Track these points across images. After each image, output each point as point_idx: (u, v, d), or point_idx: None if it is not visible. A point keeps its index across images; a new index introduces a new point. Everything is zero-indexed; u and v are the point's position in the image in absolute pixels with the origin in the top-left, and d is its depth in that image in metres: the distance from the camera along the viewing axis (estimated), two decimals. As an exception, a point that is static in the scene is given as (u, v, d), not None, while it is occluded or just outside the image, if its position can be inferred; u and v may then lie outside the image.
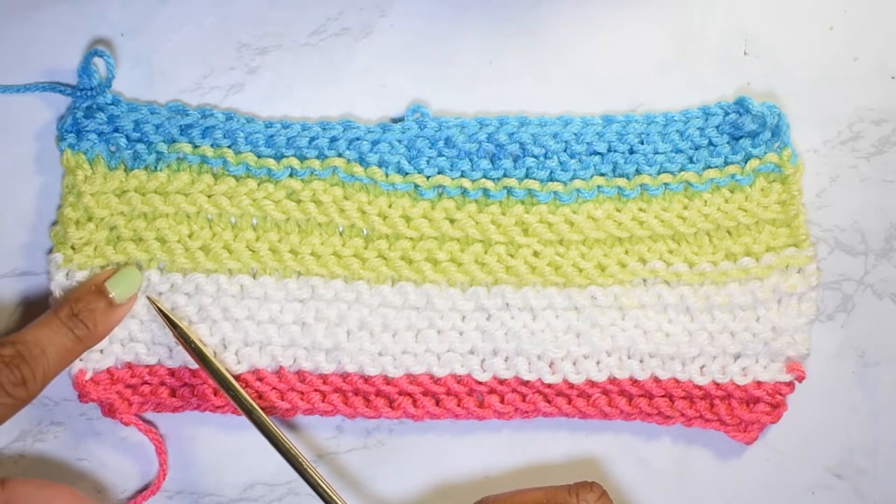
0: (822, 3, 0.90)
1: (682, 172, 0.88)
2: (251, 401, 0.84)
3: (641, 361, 0.88)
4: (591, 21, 0.90)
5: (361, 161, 0.87)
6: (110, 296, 0.83)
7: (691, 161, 0.88)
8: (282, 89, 0.89)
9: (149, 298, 0.86)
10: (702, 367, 0.88)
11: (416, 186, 0.87)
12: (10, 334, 0.80)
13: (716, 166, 0.88)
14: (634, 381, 0.88)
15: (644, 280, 0.88)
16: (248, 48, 0.90)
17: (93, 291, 0.83)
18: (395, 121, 0.89)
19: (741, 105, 0.88)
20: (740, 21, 0.90)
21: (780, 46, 0.90)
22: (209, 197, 0.86)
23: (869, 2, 0.91)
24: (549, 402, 0.88)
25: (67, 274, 0.85)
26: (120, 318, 0.84)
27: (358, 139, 0.87)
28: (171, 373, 0.87)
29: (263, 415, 0.83)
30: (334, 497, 0.81)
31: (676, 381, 0.88)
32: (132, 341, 0.86)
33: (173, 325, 0.85)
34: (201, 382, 0.86)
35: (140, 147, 0.86)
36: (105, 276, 0.84)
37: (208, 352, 0.85)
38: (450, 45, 0.90)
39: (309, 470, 0.82)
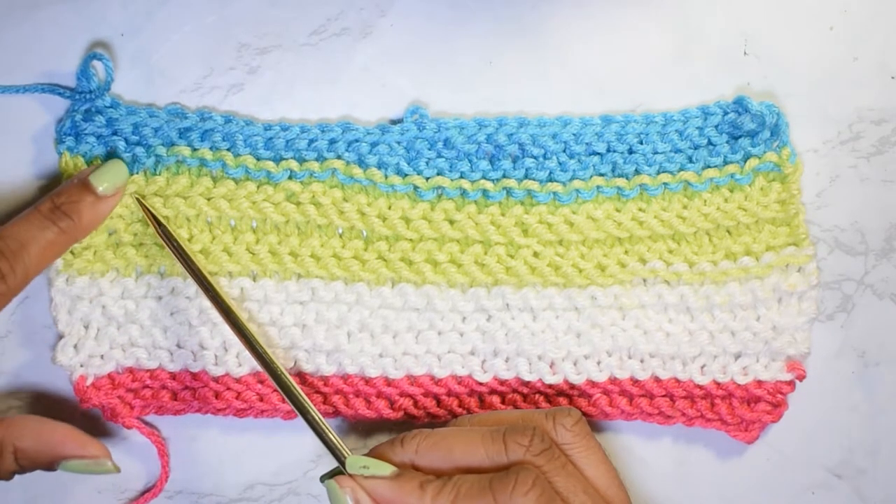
0: (822, 3, 0.90)
1: (682, 172, 0.88)
2: (232, 305, 0.83)
3: (642, 361, 0.88)
4: (591, 21, 0.90)
5: (360, 163, 0.87)
6: (98, 190, 0.82)
7: (690, 161, 0.88)
8: (282, 89, 0.89)
9: (136, 199, 0.86)
10: (702, 367, 0.88)
11: (416, 188, 0.87)
12: None
13: (715, 166, 0.88)
14: (635, 381, 0.88)
15: (644, 280, 0.88)
16: (248, 48, 0.90)
17: (76, 185, 0.82)
18: (393, 122, 0.89)
19: (740, 104, 0.88)
20: (740, 21, 0.90)
21: (780, 46, 0.90)
22: (208, 200, 0.86)
23: (869, 2, 0.90)
24: (549, 402, 0.88)
25: (67, 279, 0.85)
26: (107, 212, 0.84)
27: (357, 141, 0.87)
28: (173, 376, 0.87)
29: (243, 319, 0.83)
30: (299, 395, 0.81)
31: (677, 380, 0.88)
32: (133, 346, 0.86)
33: (158, 224, 0.84)
34: (202, 385, 0.87)
35: (139, 150, 0.86)
36: (89, 171, 0.83)
37: (192, 252, 0.85)
38: (450, 45, 0.90)
39: (283, 374, 0.82)
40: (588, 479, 0.78)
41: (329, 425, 0.80)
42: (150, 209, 0.85)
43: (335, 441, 0.79)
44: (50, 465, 0.80)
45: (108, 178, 0.83)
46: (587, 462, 0.78)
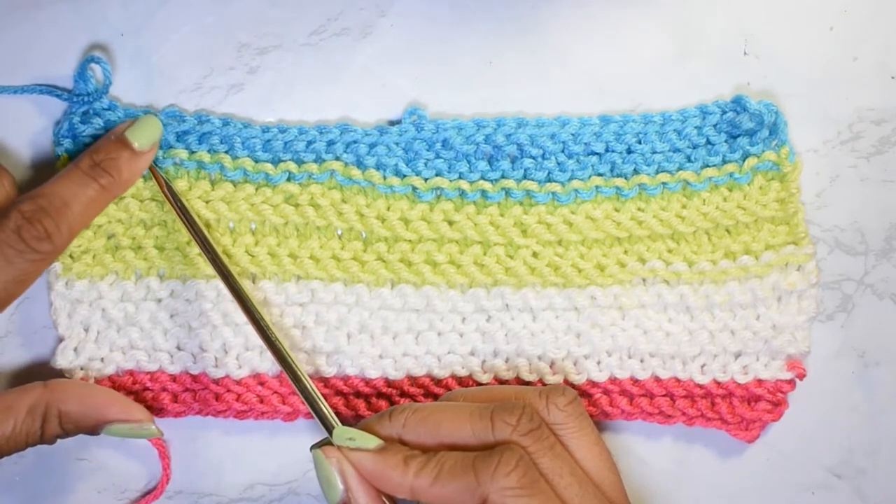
0: (822, 3, 0.90)
1: (681, 171, 0.88)
2: (240, 283, 0.83)
3: (642, 361, 0.88)
4: (591, 21, 0.90)
5: (359, 164, 0.87)
6: (133, 145, 0.83)
7: (689, 160, 0.88)
8: (282, 89, 0.89)
9: (151, 170, 0.86)
10: (702, 366, 0.88)
11: (414, 189, 0.87)
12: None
13: (714, 165, 0.88)
14: (635, 381, 0.88)
15: (644, 280, 0.88)
16: (248, 48, 0.90)
17: (113, 142, 0.83)
18: (392, 123, 0.89)
19: (738, 103, 0.88)
20: (740, 21, 0.90)
21: (780, 46, 0.90)
22: (207, 203, 0.86)
23: (869, 2, 0.90)
24: (549, 402, 0.88)
25: (67, 283, 0.86)
26: (144, 166, 0.84)
27: (355, 142, 0.87)
28: (173, 379, 0.87)
29: (251, 300, 0.83)
30: (292, 361, 0.81)
31: (677, 380, 0.88)
32: (133, 349, 0.86)
33: (170, 191, 0.85)
34: (203, 388, 0.87)
35: (136, 153, 0.86)
36: (124, 127, 0.84)
37: (202, 225, 0.85)
38: (450, 45, 0.90)
39: (277, 340, 0.82)
40: (578, 461, 0.77)
41: (320, 394, 0.81)
42: (165, 179, 0.86)
43: (326, 410, 0.79)
44: (94, 429, 0.81)
45: (143, 134, 0.83)
46: (578, 444, 0.78)
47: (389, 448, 0.76)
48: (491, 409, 0.76)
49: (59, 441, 0.87)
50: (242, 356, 0.86)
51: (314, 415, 0.80)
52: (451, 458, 0.75)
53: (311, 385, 0.80)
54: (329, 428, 0.79)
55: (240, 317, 0.86)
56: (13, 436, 0.78)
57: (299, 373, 0.81)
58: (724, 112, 0.88)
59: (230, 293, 0.83)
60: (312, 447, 0.78)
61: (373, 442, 0.77)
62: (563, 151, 0.88)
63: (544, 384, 0.87)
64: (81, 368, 0.86)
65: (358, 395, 0.87)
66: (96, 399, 0.80)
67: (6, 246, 0.76)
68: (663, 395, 0.88)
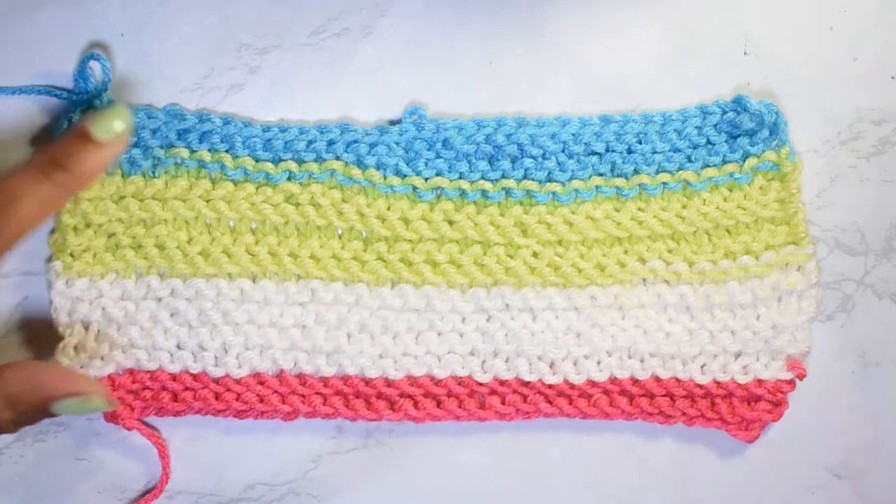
0: (822, 3, 0.90)
1: (681, 171, 0.87)
2: None
3: (642, 361, 0.88)
4: (591, 21, 0.90)
5: (359, 164, 0.87)
6: (95, 137, 0.75)
7: (689, 160, 0.88)
8: (282, 89, 0.89)
9: None
10: (703, 366, 0.88)
11: (415, 188, 0.87)
12: None
13: (714, 165, 0.88)
14: (635, 381, 0.88)
15: (644, 280, 0.88)
16: (248, 48, 0.89)
17: (72, 135, 0.76)
18: (392, 123, 0.89)
19: (739, 103, 0.87)
20: (740, 21, 0.90)
21: (780, 46, 0.90)
22: (207, 202, 0.86)
23: (869, 2, 0.90)
24: (550, 402, 0.87)
25: (67, 282, 0.85)
26: (107, 161, 0.76)
27: (355, 142, 0.87)
28: (173, 377, 0.87)
29: None
30: None
31: (677, 380, 0.88)
32: (133, 347, 0.86)
33: None
34: (202, 387, 0.87)
35: (136, 152, 0.86)
36: (87, 119, 0.77)
37: None
38: (450, 45, 0.90)
39: None
40: None
41: None
42: None
43: None
44: (45, 409, 0.75)
45: (103, 125, 0.76)
46: None
47: None
48: None
49: (55, 439, 0.87)
50: (242, 355, 0.86)
51: None
52: None
53: None
54: None
55: (240, 316, 0.86)
56: None
57: None
58: (724, 112, 0.88)
59: None
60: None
61: None
62: (563, 151, 0.88)
63: (544, 384, 0.87)
64: (81, 367, 0.86)
65: (358, 395, 0.87)
66: (39, 377, 0.74)
67: None
68: (663, 395, 0.88)
